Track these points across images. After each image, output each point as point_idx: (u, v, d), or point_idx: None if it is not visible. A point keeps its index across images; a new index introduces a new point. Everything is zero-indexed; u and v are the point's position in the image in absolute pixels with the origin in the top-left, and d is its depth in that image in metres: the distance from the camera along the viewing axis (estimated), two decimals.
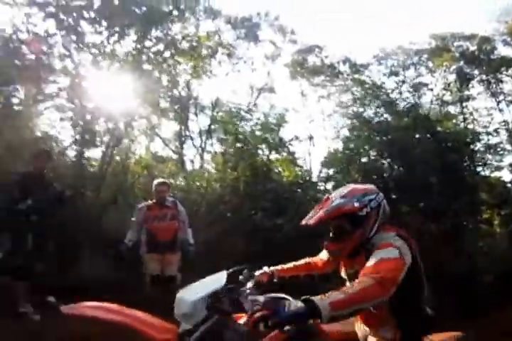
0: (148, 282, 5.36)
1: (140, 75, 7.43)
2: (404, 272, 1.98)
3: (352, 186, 2.44)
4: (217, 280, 2.29)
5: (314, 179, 8.80)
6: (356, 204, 2.25)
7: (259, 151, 8.18)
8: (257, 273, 2.76)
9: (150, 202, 5.61)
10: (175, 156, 10.16)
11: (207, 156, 10.01)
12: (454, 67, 11.76)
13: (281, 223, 6.91)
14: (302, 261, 2.87)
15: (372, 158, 8.07)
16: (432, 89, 10.76)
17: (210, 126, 9.62)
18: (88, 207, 7.12)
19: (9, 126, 7.09)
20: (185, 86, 8.75)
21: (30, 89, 7.45)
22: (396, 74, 10.94)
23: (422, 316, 2.30)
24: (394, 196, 7.67)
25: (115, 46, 7.42)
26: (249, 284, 2.58)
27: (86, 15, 6.95)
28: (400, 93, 9.03)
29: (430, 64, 11.96)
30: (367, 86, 8.82)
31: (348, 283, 2.34)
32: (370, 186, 2.45)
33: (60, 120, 7.72)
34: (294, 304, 1.68)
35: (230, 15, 11.42)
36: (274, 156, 8.36)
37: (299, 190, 7.86)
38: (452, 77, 11.80)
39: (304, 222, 2.27)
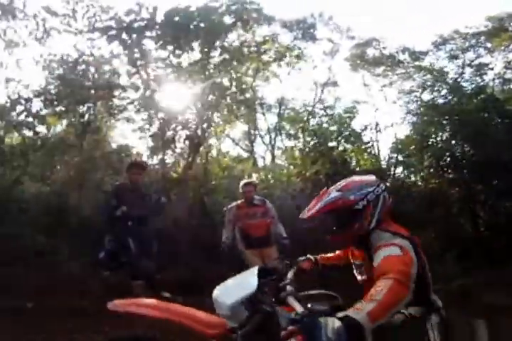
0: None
1: (208, 83, 7.71)
2: (415, 267, 1.96)
3: (350, 179, 2.42)
4: (250, 280, 2.22)
5: (384, 165, 8.91)
6: (352, 198, 2.24)
7: (334, 143, 8.31)
8: (300, 259, 2.78)
9: (239, 201, 5.82)
10: (245, 154, 10.55)
11: (277, 152, 10.24)
12: None
13: None
14: (338, 252, 2.85)
15: (444, 140, 8.12)
16: (492, 69, 10.64)
17: (277, 123, 9.87)
18: (175, 210, 7.42)
19: (89, 141, 7.67)
20: (251, 88, 8.98)
21: (103, 105, 7.90)
22: (456, 57, 10.85)
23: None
24: (467, 176, 7.76)
25: (181, 58, 7.66)
26: (290, 274, 2.53)
27: (148, 33, 7.29)
28: (462, 74, 9.04)
29: (489, 45, 11.78)
30: (429, 71, 8.89)
31: (356, 273, 2.44)
32: (370, 178, 2.43)
33: (132, 131, 8.34)
34: (332, 325, 1.59)
35: (284, 19, 11.62)
36: (348, 147, 8.49)
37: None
38: None
39: (301, 216, 2.31)
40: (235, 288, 2.21)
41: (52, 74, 7.54)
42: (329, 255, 2.91)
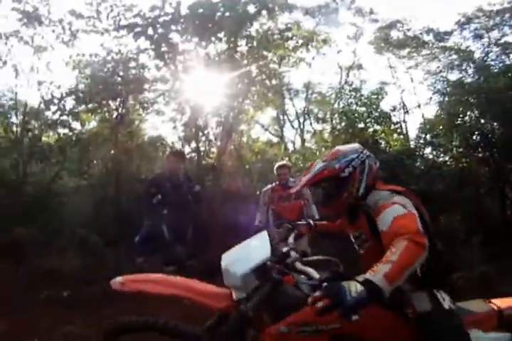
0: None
1: (236, 71, 7.80)
2: (418, 221, 1.94)
3: (334, 149, 2.42)
4: (261, 246, 2.16)
5: (413, 145, 8.85)
6: (337, 166, 2.25)
7: (363, 125, 8.35)
8: (299, 223, 2.86)
9: (273, 184, 5.87)
10: (275, 139, 10.61)
11: (307, 136, 10.27)
12: None
13: None
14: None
15: (474, 119, 8.05)
16: None
17: (305, 107, 9.95)
18: (210, 196, 7.64)
19: (123, 134, 7.89)
20: (278, 75, 9.07)
21: (134, 99, 8.20)
22: (481, 37, 10.72)
23: (437, 264, 2.15)
24: (497, 155, 7.70)
25: (208, 49, 7.82)
26: (291, 239, 2.58)
27: (173, 27, 7.43)
28: (488, 53, 8.94)
29: None
30: (455, 51, 8.84)
31: (355, 245, 2.38)
32: (354, 145, 2.44)
33: (162, 122, 8.75)
34: (355, 289, 1.60)
35: (306, 6, 11.76)
36: (378, 128, 8.48)
37: (405, 158, 7.92)
38: None
39: (291, 191, 2.50)
40: (247, 256, 2.14)
41: (82, 74, 7.81)
42: (326, 222, 2.95)
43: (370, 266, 1.80)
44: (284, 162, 6.30)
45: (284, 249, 2.26)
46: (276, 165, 5.88)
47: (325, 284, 1.65)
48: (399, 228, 1.89)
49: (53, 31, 7.29)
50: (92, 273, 5.67)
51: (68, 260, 5.86)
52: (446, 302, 2.14)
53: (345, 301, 1.55)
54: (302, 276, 1.98)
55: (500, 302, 2.49)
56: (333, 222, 2.77)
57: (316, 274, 1.86)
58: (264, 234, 2.27)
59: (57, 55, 7.72)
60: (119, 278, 2.23)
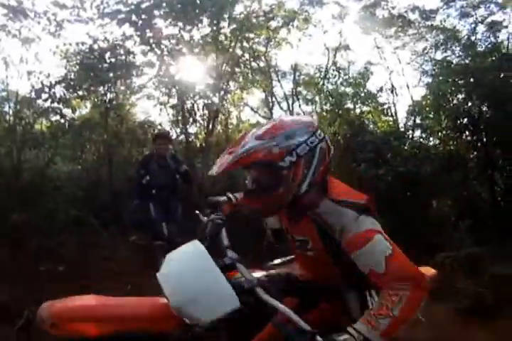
0: (270, 234, 5.97)
1: (221, 53, 7.98)
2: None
3: (277, 120, 1.82)
4: (221, 290, 1.64)
5: (401, 128, 8.81)
6: (276, 151, 1.64)
7: (351, 105, 8.31)
8: (220, 200, 2.21)
9: None
10: (264, 121, 10.64)
11: None
12: None
13: (382, 173, 7.01)
14: None
15: (461, 101, 7.86)
16: (506, 27, 10.38)
17: (293, 89, 10.06)
18: (199, 176, 8.00)
19: (113, 118, 8.23)
20: (264, 56, 9.13)
21: (122, 84, 8.43)
22: (467, 15, 10.64)
23: None
24: (485, 139, 7.51)
25: (192, 32, 7.87)
26: (225, 239, 1.91)
27: (156, 13, 7.50)
28: (475, 31, 8.92)
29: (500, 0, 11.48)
30: (441, 30, 8.84)
31: (295, 248, 2.00)
32: (305, 120, 1.84)
33: (153, 106, 8.78)
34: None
35: None
36: (365, 109, 8.44)
37: (393, 140, 7.82)
38: None
39: (210, 173, 1.77)
40: (208, 300, 1.64)
41: (70, 62, 8.01)
42: None
43: (304, 270, 1.84)
44: None
45: (228, 262, 1.75)
46: None
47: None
48: (396, 271, 1.62)
49: (39, 23, 7.39)
50: (87, 251, 6.07)
51: (64, 240, 6.18)
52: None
53: None
54: (285, 324, 1.52)
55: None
56: (264, 217, 2.28)
57: (303, 323, 1.50)
58: (202, 250, 1.78)
59: (45, 45, 7.86)
60: (45, 312, 1.65)
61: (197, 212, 2.19)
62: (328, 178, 1.85)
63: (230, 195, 2.22)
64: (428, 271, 2.72)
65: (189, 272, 1.72)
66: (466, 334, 3.94)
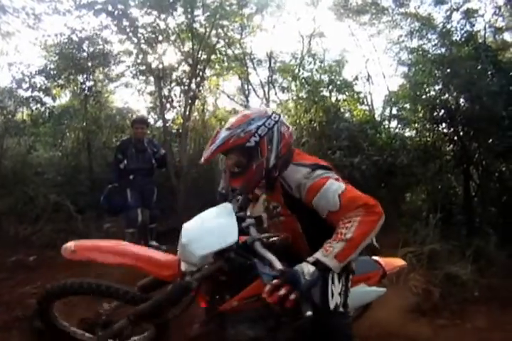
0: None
1: (196, 41, 8.07)
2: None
3: (240, 114, 2.30)
4: (228, 226, 2.10)
5: (378, 118, 8.71)
6: (242, 135, 2.12)
7: (327, 93, 8.20)
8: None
9: None
10: (241, 108, 10.80)
11: (272, 105, 10.49)
12: None
13: (358, 161, 6.95)
14: None
15: (438, 92, 7.65)
16: (482, 16, 10.00)
17: (269, 77, 10.12)
18: (179, 160, 8.29)
19: (92, 104, 8.51)
20: (239, 44, 9.25)
21: (101, 72, 8.82)
22: (442, 2, 10.28)
23: None
24: (462, 132, 7.34)
25: (167, 21, 7.97)
26: (248, 210, 2.48)
27: (131, 3, 7.61)
28: (450, 19, 8.64)
29: None
30: (415, 18, 8.64)
31: (270, 218, 2.38)
32: (261, 109, 2.34)
33: (131, 94, 9.40)
34: (307, 270, 1.75)
35: None
36: (340, 97, 8.32)
37: (369, 128, 7.82)
38: (501, 1, 10.19)
39: (200, 161, 2.29)
40: (211, 235, 2.08)
41: (50, 52, 8.33)
42: None
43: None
44: None
45: (244, 225, 2.21)
46: None
47: (281, 271, 1.78)
48: (349, 203, 1.90)
49: (18, 17, 7.70)
50: (60, 238, 6.13)
51: (41, 227, 6.53)
52: (336, 294, 2.18)
53: (300, 284, 1.70)
54: (265, 267, 1.94)
55: (385, 263, 2.94)
56: (247, 193, 2.54)
57: (277, 263, 1.87)
58: (229, 207, 2.26)
59: (25, 37, 8.23)
60: (70, 245, 2.35)
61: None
62: (294, 151, 2.33)
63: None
64: (398, 261, 3.23)
65: (209, 216, 2.27)
66: (406, 331, 3.99)
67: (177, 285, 2.14)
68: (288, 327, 2.25)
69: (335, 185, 1.97)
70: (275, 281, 1.74)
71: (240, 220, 2.19)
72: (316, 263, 1.79)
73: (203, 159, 2.24)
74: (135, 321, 2.28)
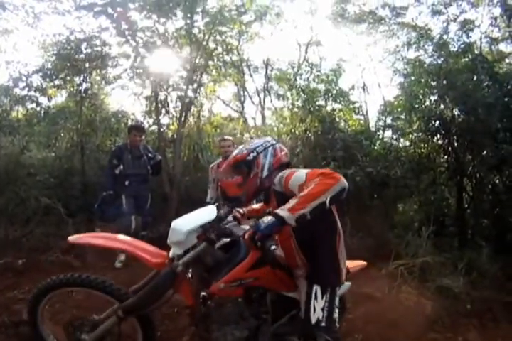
0: None
1: (194, 46, 8.10)
2: None
3: (250, 141, 3.10)
4: (209, 213, 2.78)
5: (372, 128, 8.62)
6: (245, 152, 2.80)
7: (322, 102, 8.18)
8: (234, 210, 3.35)
9: (219, 159, 6.05)
10: (236, 115, 10.84)
11: (267, 112, 10.48)
12: None
13: (352, 172, 6.91)
14: (259, 205, 3.45)
15: (433, 103, 7.68)
16: (478, 26, 9.68)
17: (265, 84, 10.13)
18: (173, 167, 8.22)
19: (88, 107, 8.49)
20: (236, 50, 9.27)
21: (98, 74, 8.71)
22: (439, 13, 10.32)
23: (332, 256, 2.68)
24: (456, 143, 7.34)
25: (166, 25, 7.99)
26: (230, 218, 3.22)
27: (131, 5, 7.58)
28: (447, 30, 8.66)
29: None
30: (412, 28, 8.64)
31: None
32: (265, 138, 2.98)
33: (127, 97, 9.14)
34: (266, 220, 2.28)
35: None
36: (336, 106, 8.27)
37: (363, 139, 7.76)
38: (498, 11, 10.17)
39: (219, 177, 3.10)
40: (195, 218, 2.70)
41: (47, 52, 8.29)
42: (255, 207, 3.48)
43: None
44: (227, 136, 6.31)
45: (222, 213, 3.03)
46: (219, 138, 6.07)
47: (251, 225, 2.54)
48: (312, 175, 2.38)
49: (17, 15, 7.70)
50: (50, 242, 6.30)
51: (31, 229, 6.46)
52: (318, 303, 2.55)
53: (260, 227, 2.27)
54: (239, 229, 2.87)
55: (350, 263, 3.17)
56: (248, 201, 3.15)
57: (246, 227, 2.79)
58: (213, 206, 2.92)
59: (23, 36, 8.17)
60: (75, 236, 2.85)
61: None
62: (281, 167, 2.80)
63: (240, 209, 3.37)
64: (360, 263, 3.58)
65: (194, 212, 2.82)
66: None
67: (165, 270, 2.54)
68: (268, 327, 2.74)
69: (305, 170, 2.50)
70: (249, 231, 2.35)
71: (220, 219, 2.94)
72: (274, 215, 2.29)
73: (220, 170, 3.14)
74: (124, 317, 2.58)
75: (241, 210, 3.37)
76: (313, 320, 2.50)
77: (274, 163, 2.78)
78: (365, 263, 3.63)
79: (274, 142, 2.90)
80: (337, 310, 2.62)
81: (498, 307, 4.86)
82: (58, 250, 6.03)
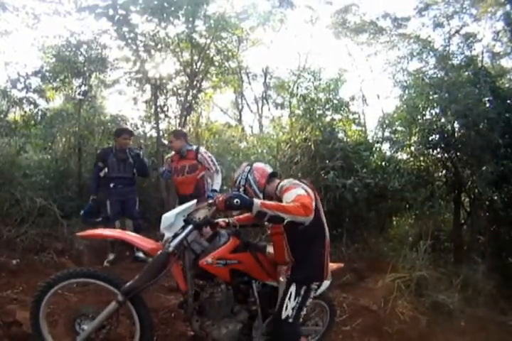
0: None
1: (195, 51, 8.10)
2: (314, 202, 2.86)
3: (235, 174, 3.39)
4: (190, 202, 3.17)
5: (370, 139, 8.53)
6: (237, 187, 3.22)
7: (322, 112, 8.11)
8: (220, 220, 3.53)
9: (173, 153, 6.06)
10: (233, 122, 10.76)
11: (265, 121, 10.43)
12: (500, 12, 10.34)
13: (351, 183, 6.86)
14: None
15: (434, 116, 7.66)
16: (480, 40, 9.76)
17: (264, 92, 10.06)
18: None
19: (86, 109, 8.48)
20: (236, 57, 9.16)
21: (97, 77, 8.66)
22: (441, 25, 10.26)
23: (318, 257, 3.09)
24: (456, 158, 7.34)
25: (167, 29, 7.95)
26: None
27: (133, 8, 7.47)
28: (449, 42, 8.63)
29: (474, 11, 10.69)
30: (415, 39, 8.59)
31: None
32: (241, 167, 3.34)
33: (126, 101, 9.02)
34: (244, 195, 2.75)
35: None
36: (336, 116, 8.22)
37: (363, 150, 7.69)
38: (500, 25, 10.43)
39: None
40: (179, 207, 3.12)
41: (47, 54, 8.27)
42: (244, 216, 3.63)
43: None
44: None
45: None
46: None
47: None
48: (298, 199, 2.74)
49: (17, 16, 7.57)
50: (44, 243, 6.22)
51: (25, 230, 6.39)
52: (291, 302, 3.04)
53: (235, 194, 2.72)
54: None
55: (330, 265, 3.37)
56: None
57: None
58: (195, 200, 3.25)
59: (23, 37, 8.10)
60: (87, 231, 3.23)
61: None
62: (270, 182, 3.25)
63: (227, 219, 3.56)
64: (338, 264, 3.80)
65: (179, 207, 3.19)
66: None
67: (159, 253, 2.85)
68: (259, 321, 3.17)
69: (300, 190, 2.88)
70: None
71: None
72: (252, 197, 2.81)
73: None
74: (124, 300, 2.82)
75: (227, 220, 3.56)
76: (283, 316, 3.04)
77: (260, 185, 3.21)
78: (342, 264, 3.91)
79: (249, 167, 3.30)
80: (305, 309, 3.09)
81: (491, 327, 4.84)
82: (53, 251, 6.00)
